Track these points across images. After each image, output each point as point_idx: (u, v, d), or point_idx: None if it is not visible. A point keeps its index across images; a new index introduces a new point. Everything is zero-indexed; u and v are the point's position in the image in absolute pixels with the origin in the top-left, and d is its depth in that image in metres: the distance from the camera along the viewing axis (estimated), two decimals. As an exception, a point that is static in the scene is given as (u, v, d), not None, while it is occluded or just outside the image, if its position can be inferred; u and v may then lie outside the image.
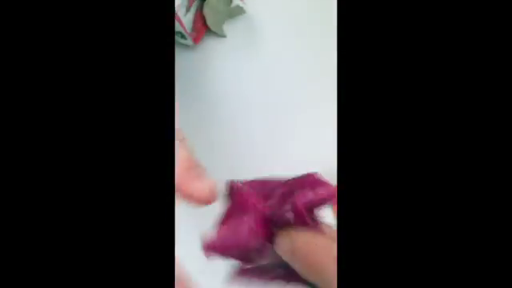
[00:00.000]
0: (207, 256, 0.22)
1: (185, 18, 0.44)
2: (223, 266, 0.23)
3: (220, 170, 0.24)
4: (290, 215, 0.21)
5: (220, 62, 0.48)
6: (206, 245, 0.21)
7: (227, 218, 0.22)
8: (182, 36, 0.46)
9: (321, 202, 0.22)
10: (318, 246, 0.20)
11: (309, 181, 0.22)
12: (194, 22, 0.46)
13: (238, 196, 0.23)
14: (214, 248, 0.21)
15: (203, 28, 0.48)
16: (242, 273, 0.23)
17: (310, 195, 0.21)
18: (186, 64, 0.47)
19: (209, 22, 0.47)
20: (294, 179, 0.22)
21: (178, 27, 0.44)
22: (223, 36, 0.48)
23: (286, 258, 0.21)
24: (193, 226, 0.30)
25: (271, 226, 0.21)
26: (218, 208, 0.23)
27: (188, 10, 0.44)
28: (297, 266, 0.20)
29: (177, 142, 0.22)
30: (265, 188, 0.23)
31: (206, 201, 0.22)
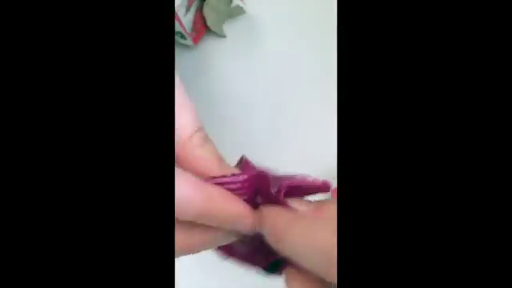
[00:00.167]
0: None
1: (185, 18, 0.44)
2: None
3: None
4: (273, 191, 0.22)
5: (220, 62, 0.48)
6: None
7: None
8: (182, 36, 0.46)
9: (311, 189, 0.23)
10: (283, 217, 0.21)
11: (309, 180, 0.23)
12: (194, 22, 0.46)
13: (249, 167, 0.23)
14: None
15: (203, 28, 0.48)
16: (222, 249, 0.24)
17: (301, 182, 0.23)
18: (186, 64, 0.47)
19: (209, 22, 0.47)
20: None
21: (177, 27, 0.44)
22: (223, 36, 0.48)
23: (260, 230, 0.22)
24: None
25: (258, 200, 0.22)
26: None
27: (188, 10, 0.44)
28: (265, 233, 0.21)
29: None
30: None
31: None
